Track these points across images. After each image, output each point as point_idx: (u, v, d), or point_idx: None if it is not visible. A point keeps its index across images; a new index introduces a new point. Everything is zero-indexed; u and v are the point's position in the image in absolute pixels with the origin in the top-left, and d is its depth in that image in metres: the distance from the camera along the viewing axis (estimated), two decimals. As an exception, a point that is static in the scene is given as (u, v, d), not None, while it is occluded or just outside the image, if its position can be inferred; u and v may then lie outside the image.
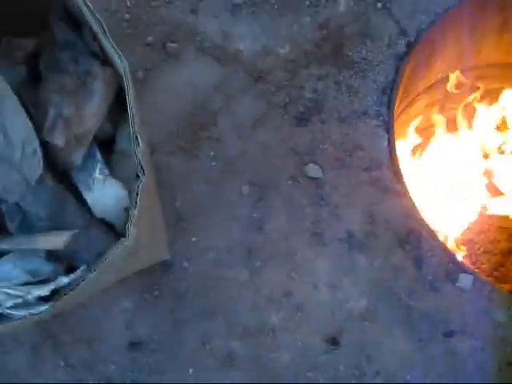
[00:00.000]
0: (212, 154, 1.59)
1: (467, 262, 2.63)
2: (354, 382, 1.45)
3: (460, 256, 2.16)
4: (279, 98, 1.65)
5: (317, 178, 1.59)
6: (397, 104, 1.83)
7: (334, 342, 1.48)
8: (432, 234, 1.54)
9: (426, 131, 2.26)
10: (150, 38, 1.67)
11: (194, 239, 1.52)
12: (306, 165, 1.60)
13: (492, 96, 2.29)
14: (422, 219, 1.56)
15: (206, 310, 1.48)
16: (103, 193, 1.06)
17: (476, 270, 2.02)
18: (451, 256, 1.54)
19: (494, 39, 2.11)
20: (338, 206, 1.56)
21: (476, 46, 2.10)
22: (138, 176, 0.95)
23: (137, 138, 0.94)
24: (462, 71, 2.15)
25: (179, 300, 1.48)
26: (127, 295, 1.48)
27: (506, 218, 2.84)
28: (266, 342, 1.46)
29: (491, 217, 2.83)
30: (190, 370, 1.46)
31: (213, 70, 1.68)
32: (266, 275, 1.50)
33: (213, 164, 1.58)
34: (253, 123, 1.62)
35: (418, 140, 2.13)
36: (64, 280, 0.99)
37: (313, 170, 1.59)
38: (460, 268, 1.53)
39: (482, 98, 2.24)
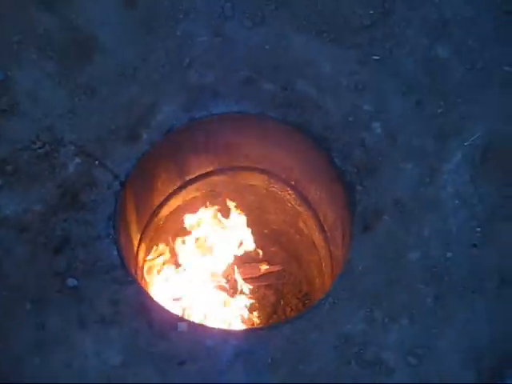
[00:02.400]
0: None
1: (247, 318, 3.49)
2: None
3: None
4: (41, 240, 2.44)
5: (74, 287, 2.38)
6: (133, 220, 2.71)
7: None
8: (154, 302, 2.38)
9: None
10: None
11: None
12: (66, 279, 2.38)
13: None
14: (149, 296, 2.40)
15: None
16: None
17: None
18: (172, 315, 2.38)
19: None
20: (92, 299, 2.35)
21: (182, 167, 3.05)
22: None
23: None
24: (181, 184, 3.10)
25: None
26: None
27: (269, 275, 3.80)
28: None
29: (259, 278, 3.78)
30: None
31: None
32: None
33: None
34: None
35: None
36: None
37: (71, 281, 2.38)
38: (178, 319, 2.36)
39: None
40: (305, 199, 3.11)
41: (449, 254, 2.44)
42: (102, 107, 2.70)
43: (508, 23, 2.92)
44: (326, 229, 3.02)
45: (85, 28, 2.80)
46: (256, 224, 3.51)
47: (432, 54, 2.88)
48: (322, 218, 3.03)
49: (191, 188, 3.16)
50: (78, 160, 2.59)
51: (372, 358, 2.29)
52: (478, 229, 2.49)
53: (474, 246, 2.45)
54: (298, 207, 3.24)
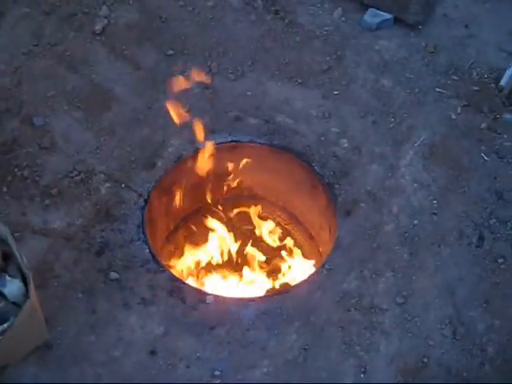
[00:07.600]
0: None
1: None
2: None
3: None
4: (84, 246, 2.96)
5: (116, 279, 2.87)
6: (160, 228, 3.25)
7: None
8: (185, 284, 2.88)
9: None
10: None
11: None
12: (108, 274, 2.88)
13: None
14: (179, 279, 2.90)
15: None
16: (11, 287, 2.29)
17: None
18: (200, 291, 2.88)
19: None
20: (132, 287, 2.84)
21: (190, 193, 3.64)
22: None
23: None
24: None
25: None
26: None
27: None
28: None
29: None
30: None
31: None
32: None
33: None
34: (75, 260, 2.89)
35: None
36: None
37: (113, 275, 2.88)
38: (206, 294, 2.86)
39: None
40: (292, 216, 3.71)
41: (415, 222, 3.06)
42: (121, 144, 3.33)
43: (432, 60, 3.77)
44: (313, 234, 3.60)
45: (103, 85, 3.51)
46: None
47: (379, 85, 3.66)
48: (309, 226, 3.62)
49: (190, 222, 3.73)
50: (107, 184, 3.17)
51: (367, 304, 2.81)
52: (435, 201, 3.14)
53: (434, 213, 3.08)
54: (287, 226, 3.83)
